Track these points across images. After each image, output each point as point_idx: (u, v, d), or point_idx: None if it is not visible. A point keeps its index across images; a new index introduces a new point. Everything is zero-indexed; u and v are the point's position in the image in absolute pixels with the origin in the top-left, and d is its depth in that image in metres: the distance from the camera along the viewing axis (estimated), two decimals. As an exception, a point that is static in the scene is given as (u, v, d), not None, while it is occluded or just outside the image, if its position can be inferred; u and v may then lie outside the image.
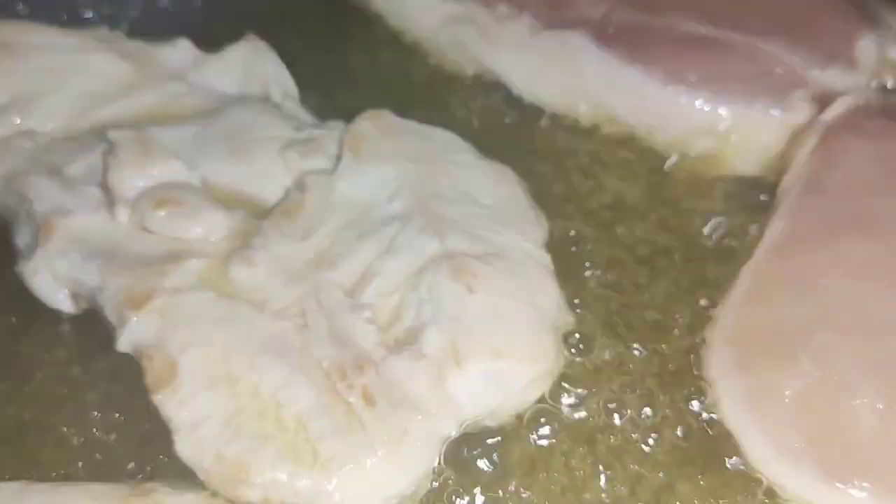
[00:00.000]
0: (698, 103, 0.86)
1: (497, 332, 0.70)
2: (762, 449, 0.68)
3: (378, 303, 0.72)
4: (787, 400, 0.67)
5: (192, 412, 0.66)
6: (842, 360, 0.68)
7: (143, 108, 0.87)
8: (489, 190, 0.83)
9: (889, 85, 0.89)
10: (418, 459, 0.67)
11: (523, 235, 0.80)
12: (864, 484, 0.64)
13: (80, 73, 0.88)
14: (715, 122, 0.86)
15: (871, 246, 0.73)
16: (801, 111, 0.85)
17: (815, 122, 0.82)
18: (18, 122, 0.85)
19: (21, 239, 0.79)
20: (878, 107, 0.85)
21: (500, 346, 0.70)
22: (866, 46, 0.89)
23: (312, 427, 0.65)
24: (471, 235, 0.77)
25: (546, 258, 0.79)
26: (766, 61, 0.87)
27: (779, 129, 0.85)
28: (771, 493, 0.67)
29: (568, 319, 0.75)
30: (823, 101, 0.85)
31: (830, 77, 0.88)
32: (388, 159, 0.82)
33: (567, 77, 0.92)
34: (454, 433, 0.69)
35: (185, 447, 0.65)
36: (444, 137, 0.87)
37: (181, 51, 0.91)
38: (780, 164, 0.83)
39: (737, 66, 0.87)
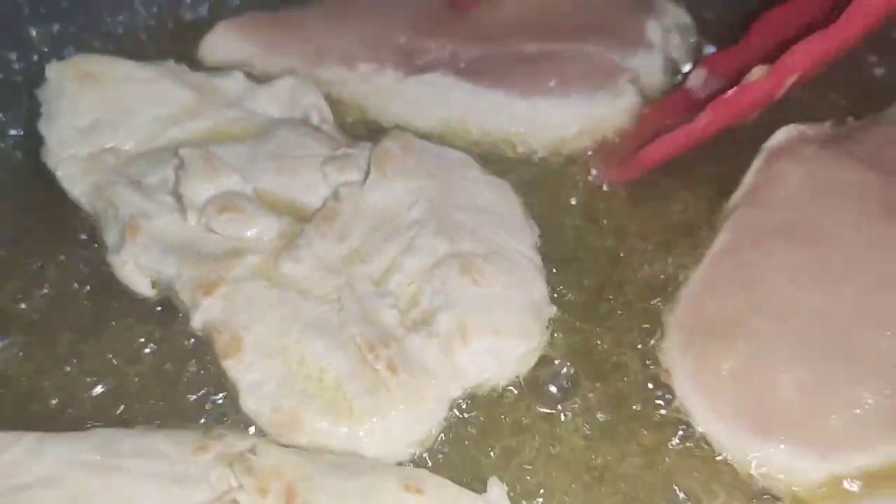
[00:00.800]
0: (554, 106, 1.05)
1: (496, 316, 0.86)
2: (706, 414, 0.82)
3: (399, 291, 0.89)
4: (725, 374, 0.82)
5: (253, 375, 0.83)
6: (769, 341, 0.83)
7: (205, 130, 1.02)
8: (491, 200, 0.99)
9: (675, 56, 1.12)
10: (430, 415, 0.83)
11: (519, 239, 0.96)
12: (784, 438, 0.79)
13: (153, 101, 1.03)
14: (570, 119, 1.05)
15: (796, 249, 0.88)
16: (629, 94, 1.05)
17: (760, 148, 1.00)
18: (104, 141, 1.01)
19: (109, 237, 0.94)
20: (812, 136, 1.01)
21: (498, 327, 0.86)
22: (653, 30, 1.11)
23: (348, 388, 0.81)
24: (476, 238, 0.93)
25: (537, 258, 0.95)
26: (591, 61, 1.07)
27: (617, 112, 1.06)
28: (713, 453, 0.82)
29: (552, 309, 0.92)
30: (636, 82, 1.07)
31: (638, 61, 1.09)
32: (409, 174, 0.97)
33: (442, 112, 1.08)
34: (459, 394, 0.85)
35: (249, 402, 0.82)
36: (455, 156, 1.03)
37: (236, 82, 1.07)
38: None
39: (572, 70, 1.06)
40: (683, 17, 1.17)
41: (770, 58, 0.94)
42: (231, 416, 0.84)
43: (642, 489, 0.80)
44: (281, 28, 1.17)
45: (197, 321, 0.87)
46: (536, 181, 1.04)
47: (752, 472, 0.80)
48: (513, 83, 1.06)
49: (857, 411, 0.79)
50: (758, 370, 0.83)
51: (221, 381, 0.85)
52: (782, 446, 0.80)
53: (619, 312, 0.93)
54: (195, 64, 1.13)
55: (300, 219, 0.95)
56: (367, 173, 0.98)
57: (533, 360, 0.89)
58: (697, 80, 1.05)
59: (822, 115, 1.05)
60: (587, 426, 0.85)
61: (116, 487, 0.74)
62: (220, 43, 1.16)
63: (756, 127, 1.02)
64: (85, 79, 1.04)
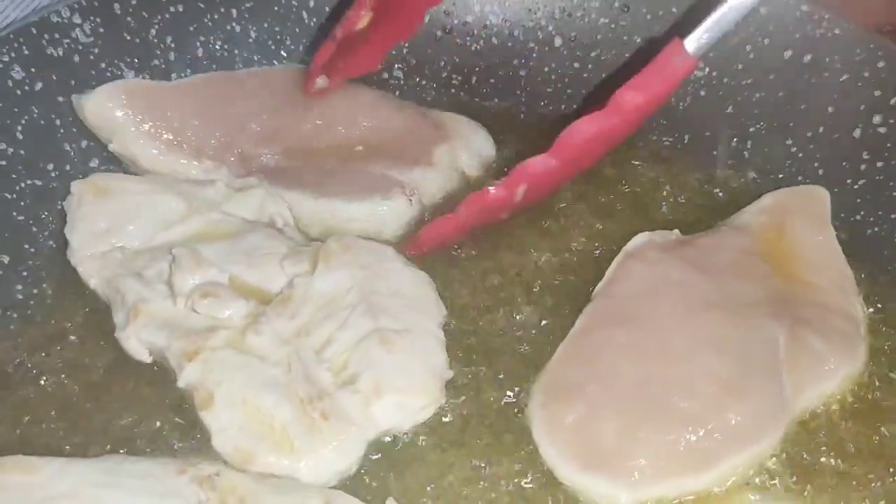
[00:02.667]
0: (340, 205, 1.38)
1: (404, 378, 1.15)
2: (552, 455, 1.10)
3: (334, 359, 1.16)
4: (567, 426, 1.08)
5: (221, 422, 1.10)
6: (600, 401, 1.11)
7: (193, 230, 1.30)
8: (409, 287, 1.27)
9: (467, 172, 1.44)
10: (351, 451, 1.09)
11: (428, 318, 1.26)
12: (604, 473, 1.05)
13: (151, 208, 1.32)
14: (352, 216, 1.38)
15: (628, 332, 1.16)
16: (400, 201, 1.38)
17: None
18: (114, 242, 1.29)
19: (117, 317, 1.22)
20: (660, 242, 1.30)
21: (405, 387, 1.15)
22: (441, 152, 1.43)
23: (291, 431, 1.09)
24: (394, 317, 1.21)
25: (440, 333, 1.23)
26: (375, 174, 1.40)
27: (391, 214, 1.38)
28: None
29: (449, 373, 1.20)
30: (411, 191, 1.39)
31: (417, 175, 1.41)
32: (347, 266, 1.24)
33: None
34: (373, 436, 1.14)
35: (218, 442, 1.09)
36: (384, 250, 1.31)
37: (217, 190, 1.37)
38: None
39: (359, 180, 1.39)
40: (484, 145, 1.49)
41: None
42: (204, 451, 1.13)
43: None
44: (154, 98, 1.42)
45: (182, 381, 1.16)
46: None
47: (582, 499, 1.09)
48: (313, 187, 1.40)
49: (657, 455, 1.07)
50: (589, 422, 1.09)
51: (198, 426, 1.15)
52: (603, 479, 1.06)
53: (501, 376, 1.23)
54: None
55: (263, 302, 1.23)
56: (315, 266, 1.28)
57: (430, 412, 1.17)
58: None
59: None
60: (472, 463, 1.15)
61: (117, 500, 1.03)
62: (101, 106, 1.38)
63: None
64: (99, 192, 1.33)
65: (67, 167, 1.41)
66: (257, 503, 1.02)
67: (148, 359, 1.22)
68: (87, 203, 1.33)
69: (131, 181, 1.37)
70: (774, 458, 1.09)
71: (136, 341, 1.21)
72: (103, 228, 1.31)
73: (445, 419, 1.18)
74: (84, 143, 1.44)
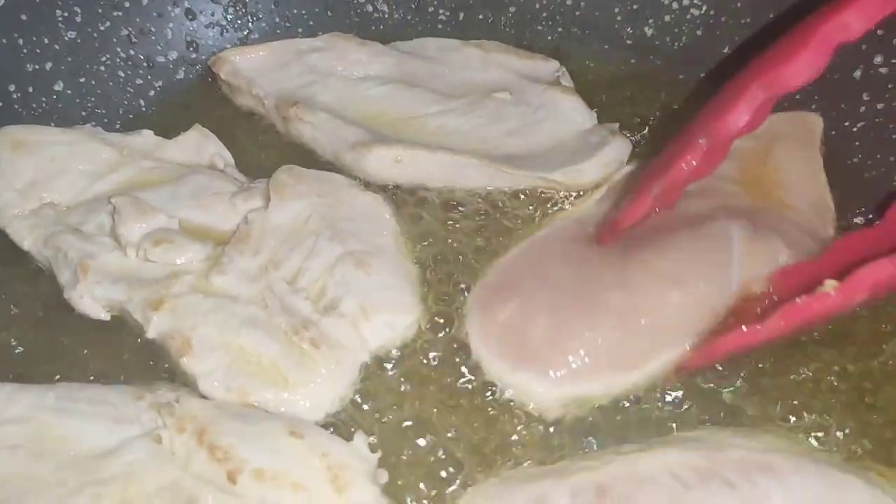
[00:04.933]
0: None
1: (389, 297, 1.12)
2: (483, 351, 1.09)
3: (309, 287, 1.12)
4: (499, 322, 1.09)
5: (205, 366, 1.05)
6: (534, 297, 1.10)
7: (128, 180, 1.22)
8: (368, 210, 1.25)
9: None
10: (347, 377, 1.07)
11: (391, 236, 1.22)
12: (533, 368, 1.05)
13: (79, 159, 1.23)
14: None
15: (576, 242, 1.17)
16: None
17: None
18: (42, 197, 1.20)
19: (63, 277, 1.13)
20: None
21: (390, 305, 1.12)
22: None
23: (282, 365, 1.05)
24: (362, 240, 1.18)
25: (405, 250, 1.21)
26: None
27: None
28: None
29: (422, 289, 1.17)
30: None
31: None
32: (302, 196, 1.21)
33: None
34: (366, 357, 1.10)
35: (206, 386, 1.04)
36: (336, 178, 1.27)
37: (145, 139, 1.28)
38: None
39: None
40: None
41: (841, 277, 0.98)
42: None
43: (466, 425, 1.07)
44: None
45: (152, 332, 1.09)
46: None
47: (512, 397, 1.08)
48: None
49: (586, 352, 1.06)
50: (521, 319, 1.09)
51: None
52: (531, 375, 1.06)
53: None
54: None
55: (220, 242, 1.17)
56: (268, 200, 1.22)
57: (414, 330, 1.14)
58: None
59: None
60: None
61: (70, 426, 0.98)
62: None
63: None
64: (16, 146, 1.22)
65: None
66: (218, 431, 0.98)
67: (106, 316, 1.14)
68: (4, 159, 1.22)
69: (49, 133, 1.27)
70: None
71: (90, 299, 1.13)
72: (27, 183, 1.22)
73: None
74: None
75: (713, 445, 1.00)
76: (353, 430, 1.04)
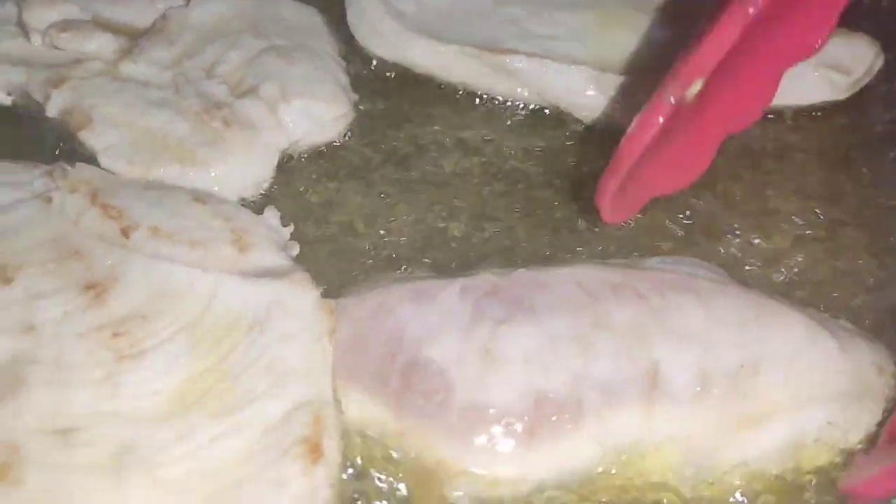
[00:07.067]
0: None
1: (310, 85, 1.04)
2: None
3: (227, 75, 1.05)
4: None
5: (106, 140, 0.97)
6: None
7: None
8: (298, 17, 1.17)
9: None
10: (264, 160, 1.00)
11: (326, 43, 1.16)
12: None
13: None
14: None
15: None
16: None
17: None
18: None
19: None
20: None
21: (313, 92, 1.04)
22: None
23: (190, 142, 0.97)
24: (289, 38, 1.11)
25: (341, 61, 1.14)
26: None
27: None
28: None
29: (354, 95, 1.10)
30: None
31: None
32: None
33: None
34: (285, 146, 1.02)
35: (106, 160, 0.96)
36: None
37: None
38: None
39: None
40: None
41: None
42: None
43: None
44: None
45: (51, 110, 1.01)
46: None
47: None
48: None
49: None
50: None
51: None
52: None
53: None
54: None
55: (134, 37, 1.10)
56: (188, -1, 1.15)
57: (341, 127, 1.07)
58: None
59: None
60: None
61: None
62: None
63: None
64: None
65: None
66: (112, 194, 0.90)
67: (6, 98, 1.06)
68: None
69: None
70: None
71: (-12, 80, 1.04)
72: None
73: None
74: None
75: (633, 266, 0.90)
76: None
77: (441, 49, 1.11)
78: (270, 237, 0.91)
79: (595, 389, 0.78)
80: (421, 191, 1.03)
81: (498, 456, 0.77)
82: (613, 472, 0.78)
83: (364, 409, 0.80)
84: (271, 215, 0.94)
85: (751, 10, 0.75)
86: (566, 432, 0.77)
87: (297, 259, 0.92)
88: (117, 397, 0.76)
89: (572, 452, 0.78)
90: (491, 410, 0.77)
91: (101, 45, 1.08)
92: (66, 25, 1.08)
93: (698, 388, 0.79)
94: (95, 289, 0.82)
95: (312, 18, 1.19)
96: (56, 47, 1.07)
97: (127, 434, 0.74)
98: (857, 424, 0.81)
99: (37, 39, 1.08)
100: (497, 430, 0.77)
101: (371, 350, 0.82)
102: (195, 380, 0.78)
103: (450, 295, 0.84)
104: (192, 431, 0.74)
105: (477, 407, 0.77)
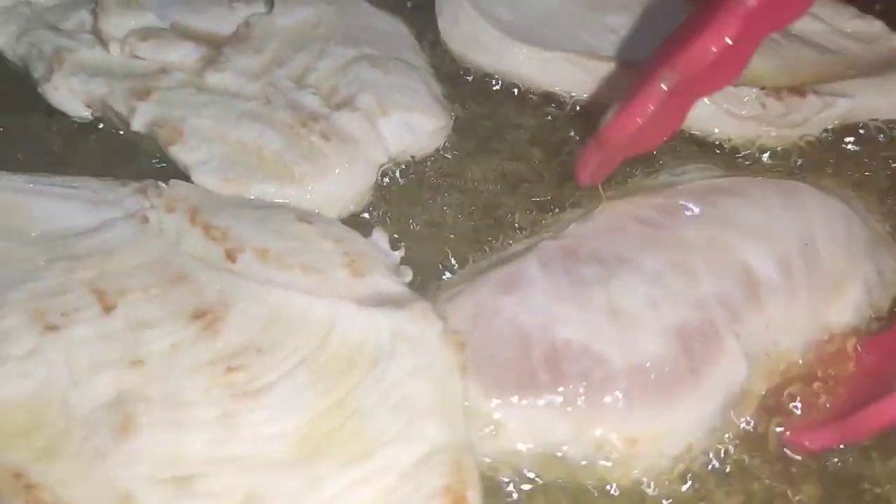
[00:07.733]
0: None
1: (408, 97, 0.98)
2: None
3: (319, 85, 0.98)
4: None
5: (198, 156, 0.91)
6: None
7: None
8: (384, 25, 1.10)
9: None
10: (363, 176, 0.93)
11: (414, 53, 1.09)
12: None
13: None
14: None
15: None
16: None
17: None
18: None
19: (37, 72, 1.00)
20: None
21: (411, 105, 0.98)
22: None
23: (287, 158, 0.91)
24: (377, 47, 1.04)
25: (428, 67, 1.07)
26: None
27: None
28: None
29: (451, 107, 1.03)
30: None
31: None
32: (309, 3, 1.08)
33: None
34: (385, 160, 0.96)
35: (200, 177, 0.90)
36: None
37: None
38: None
39: None
40: None
41: None
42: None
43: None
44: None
45: (137, 124, 0.95)
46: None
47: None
48: None
49: None
50: None
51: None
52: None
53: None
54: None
55: (217, 46, 1.03)
56: (271, 5, 1.08)
57: (441, 140, 1.01)
58: None
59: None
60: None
61: (40, 205, 0.84)
62: None
63: None
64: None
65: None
66: (213, 213, 0.84)
67: (85, 111, 1.00)
68: (-24, -47, 1.08)
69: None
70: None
71: (67, 91, 0.99)
72: (-3, -19, 1.08)
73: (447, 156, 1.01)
74: None
75: (666, 184, 0.93)
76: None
77: (546, 55, 1.04)
78: (383, 261, 0.84)
79: (717, 307, 0.79)
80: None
81: (675, 405, 0.75)
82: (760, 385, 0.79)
83: (526, 416, 0.75)
84: (380, 237, 0.87)
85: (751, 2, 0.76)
86: (716, 355, 0.77)
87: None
88: (236, 440, 0.69)
89: (729, 377, 0.77)
90: (647, 364, 0.76)
91: (184, 54, 1.02)
92: (146, 34, 1.02)
93: (784, 274, 0.82)
94: (205, 317, 0.75)
95: (397, 27, 1.13)
96: (137, 57, 1.01)
97: (252, 482, 0.67)
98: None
99: (115, 49, 1.01)
100: (667, 379, 0.76)
101: (498, 356, 0.77)
102: (320, 420, 0.71)
103: (532, 271, 0.82)
104: (322, 480, 0.67)
105: (637, 367, 0.76)
